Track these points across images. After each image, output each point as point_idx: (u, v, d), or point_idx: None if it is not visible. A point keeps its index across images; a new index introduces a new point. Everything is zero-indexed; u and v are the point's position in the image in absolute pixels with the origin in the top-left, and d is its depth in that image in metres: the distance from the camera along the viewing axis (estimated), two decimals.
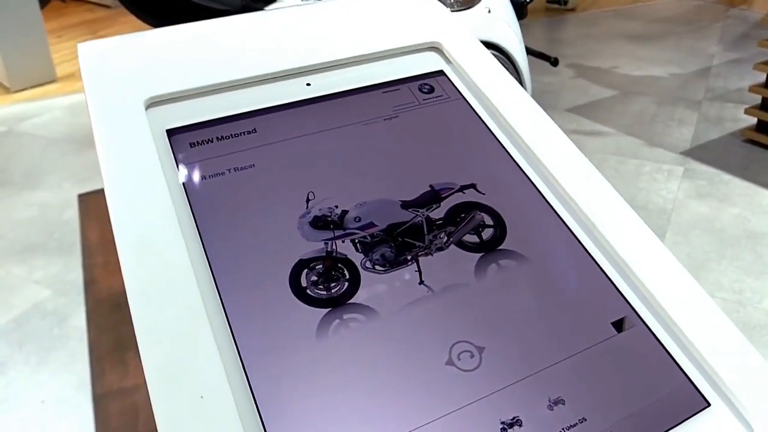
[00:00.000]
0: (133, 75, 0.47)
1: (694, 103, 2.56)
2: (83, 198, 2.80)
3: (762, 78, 2.28)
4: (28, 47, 3.44)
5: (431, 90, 0.50)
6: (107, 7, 4.80)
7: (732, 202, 1.91)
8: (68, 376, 2.03)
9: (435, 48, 0.54)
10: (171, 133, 0.44)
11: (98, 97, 0.45)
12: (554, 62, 1.81)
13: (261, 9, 1.22)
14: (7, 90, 3.61)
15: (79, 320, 2.27)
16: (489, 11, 1.20)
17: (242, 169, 0.43)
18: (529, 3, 1.37)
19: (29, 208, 2.82)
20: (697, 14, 3.72)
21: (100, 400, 2.16)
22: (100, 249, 2.64)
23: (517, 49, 1.24)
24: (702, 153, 2.22)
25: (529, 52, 1.45)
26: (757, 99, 2.31)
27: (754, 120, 2.27)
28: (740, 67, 2.87)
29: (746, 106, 2.31)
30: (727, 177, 2.09)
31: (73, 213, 2.69)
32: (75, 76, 3.91)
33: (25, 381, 2.05)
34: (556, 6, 3.71)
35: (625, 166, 2.15)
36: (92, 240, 2.65)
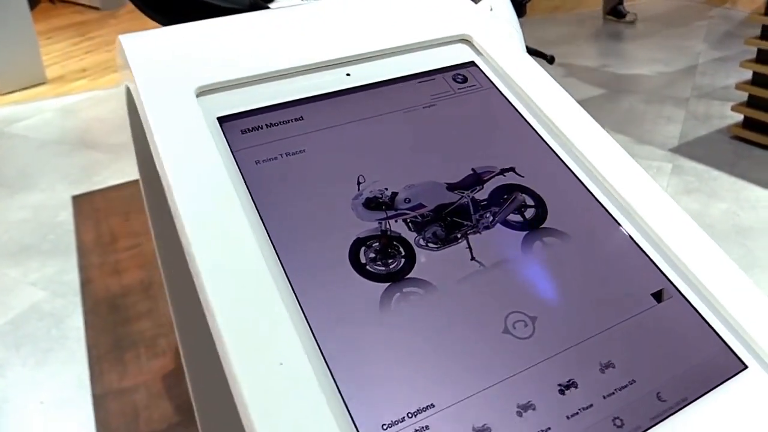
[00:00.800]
0: (182, 65, 0.48)
1: (682, 100, 2.61)
2: (77, 199, 2.79)
3: (748, 75, 2.33)
4: (17, 49, 3.42)
5: (465, 80, 0.52)
6: (96, 9, 4.77)
7: (720, 197, 1.96)
8: (67, 377, 2.02)
9: (465, 40, 0.56)
10: (222, 120, 0.45)
11: (149, 87, 0.46)
12: (551, 60, 1.85)
13: (268, 7, 1.24)
14: None
15: (76, 321, 2.27)
16: (491, 9, 1.22)
17: (293, 154, 0.45)
18: (528, 1, 1.40)
19: (23, 210, 2.80)
20: (682, 13, 3.80)
21: (99, 401, 2.16)
22: (96, 250, 2.63)
23: (518, 47, 1.27)
24: (690, 150, 2.27)
25: (527, 50, 1.47)
26: (744, 96, 2.36)
27: (740, 117, 2.32)
28: (726, 65, 2.93)
29: (732, 103, 2.37)
30: (715, 173, 2.13)
31: (67, 215, 2.68)
32: (65, 78, 3.88)
33: (24, 382, 2.03)
34: (613, 19, 3.75)
35: None
36: (87, 241, 2.64)
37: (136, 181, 3.43)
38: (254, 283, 0.36)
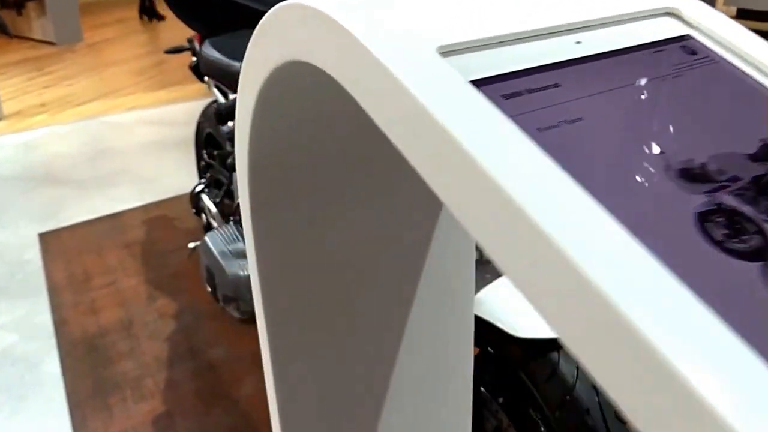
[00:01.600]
0: (410, 25, 0.41)
1: None
2: (44, 237, 2.58)
3: None
4: None
5: (694, 52, 0.47)
6: (52, 44, 4.55)
7: None
8: (47, 426, 1.82)
9: (671, 13, 0.51)
10: (476, 84, 0.38)
11: (384, 47, 0.39)
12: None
13: None
14: None
15: (52, 365, 2.07)
16: None
17: (572, 122, 0.38)
18: None
19: None
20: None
21: None
22: (69, 289, 2.43)
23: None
24: None
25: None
26: None
27: None
28: None
29: None
30: None
31: (34, 253, 2.48)
32: (23, 113, 3.66)
33: None
34: None
35: None
36: (58, 280, 2.44)
37: (107, 217, 3.26)
38: (636, 267, 0.29)
